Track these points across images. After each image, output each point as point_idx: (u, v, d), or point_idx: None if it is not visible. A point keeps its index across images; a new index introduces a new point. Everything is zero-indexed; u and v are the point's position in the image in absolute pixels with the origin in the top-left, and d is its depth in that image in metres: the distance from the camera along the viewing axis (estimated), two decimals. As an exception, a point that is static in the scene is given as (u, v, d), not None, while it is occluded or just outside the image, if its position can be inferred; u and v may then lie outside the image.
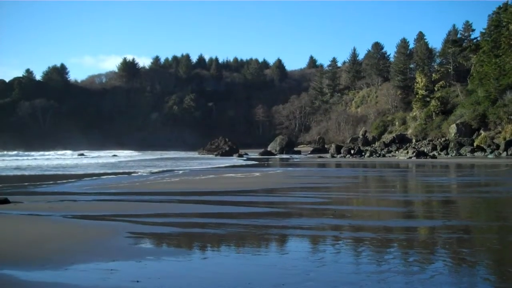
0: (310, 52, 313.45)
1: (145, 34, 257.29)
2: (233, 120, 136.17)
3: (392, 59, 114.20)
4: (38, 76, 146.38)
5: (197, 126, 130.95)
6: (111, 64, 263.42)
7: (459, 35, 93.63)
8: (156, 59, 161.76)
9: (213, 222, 9.99)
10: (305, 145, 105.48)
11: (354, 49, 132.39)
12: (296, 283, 5.65)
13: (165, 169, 32.52)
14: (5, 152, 60.88)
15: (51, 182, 21.33)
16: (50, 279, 5.89)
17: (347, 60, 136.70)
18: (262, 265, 6.54)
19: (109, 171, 29.35)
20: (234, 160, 52.15)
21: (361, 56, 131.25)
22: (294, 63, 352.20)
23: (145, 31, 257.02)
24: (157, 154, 75.68)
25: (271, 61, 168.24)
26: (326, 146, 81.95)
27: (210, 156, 70.16)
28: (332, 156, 60.48)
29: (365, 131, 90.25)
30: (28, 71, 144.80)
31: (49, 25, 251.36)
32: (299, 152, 79.24)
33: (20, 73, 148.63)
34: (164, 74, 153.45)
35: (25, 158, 54.11)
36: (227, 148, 73.84)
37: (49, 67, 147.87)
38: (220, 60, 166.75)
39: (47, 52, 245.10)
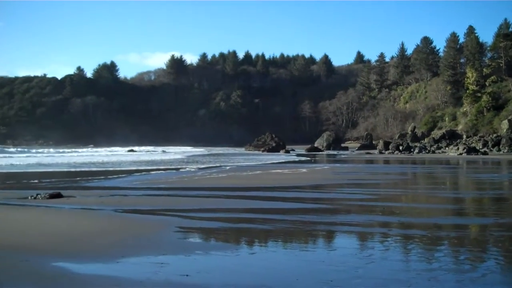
0: (357, 47, 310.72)
1: (191, 31, 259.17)
2: (280, 116, 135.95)
3: (441, 54, 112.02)
4: (88, 74, 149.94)
5: (243, 122, 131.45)
6: (156, 61, 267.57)
7: (511, 29, 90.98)
8: (204, 56, 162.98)
9: (260, 218, 10.03)
10: (352, 141, 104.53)
11: (402, 44, 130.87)
12: (344, 279, 5.62)
13: (212, 165, 32.75)
14: (59, 150, 62.31)
15: (102, 177, 21.80)
16: (102, 272, 6.02)
17: (395, 55, 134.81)
18: (309, 261, 6.53)
19: (158, 167, 29.73)
20: (281, 156, 52.07)
21: (409, 51, 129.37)
22: (341, 58, 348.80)
23: (191, 28, 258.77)
24: (204, 150, 76.28)
25: (318, 56, 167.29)
26: (373, 142, 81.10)
27: (257, 152, 70.21)
28: (380, 152, 59.79)
29: (414, 127, 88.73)
30: (79, 68, 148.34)
31: (97, 23, 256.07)
32: (346, 148, 78.60)
33: (71, 70, 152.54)
34: (211, 71, 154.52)
35: (77, 154, 55.43)
36: (274, 144, 73.74)
37: (99, 65, 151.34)
38: (267, 57, 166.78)
39: (95, 50, 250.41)
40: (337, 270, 6.00)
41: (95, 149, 71.80)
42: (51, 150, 59.42)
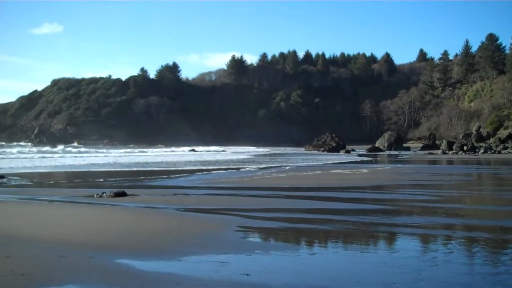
0: (420, 45, 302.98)
1: (251, 31, 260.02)
2: (340, 115, 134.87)
3: (507, 51, 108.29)
4: (152, 75, 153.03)
5: (303, 122, 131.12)
6: (216, 61, 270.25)
7: None
8: (264, 56, 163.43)
9: (320, 218, 9.99)
10: (414, 141, 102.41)
11: (467, 41, 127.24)
12: (407, 282, 5.52)
13: (272, 164, 32.82)
14: (124, 150, 63.94)
15: (165, 176, 22.21)
16: (165, 269, 6.11)
17: (459, 53, 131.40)
18: (371, 263, 6.45)
19: (219, 167, 30.05)
20: (341, 156, 51.64)
21: (474, 48, 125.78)
22: (403, 56, 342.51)
23: (251, 28, 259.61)
24: (264, 150, 76.54)
25: (379, 55, 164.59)
26: (437, 142, 79.06)
27: (317, 152, 69.82)
28: (444, 153, 58.30)
29: (479, 127, 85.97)
30: (142, 69, 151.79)
31: (159, 24, 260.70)
32: (408, 149, 77.13)
33: (135, 71, 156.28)
34: (271, 70, 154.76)
35: (140, 153, 56.70)
36: (334, 144, 73.13)
37: (162, 66, 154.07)
38: (327, 56, 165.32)
39: (157, 51, 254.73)
40: (399, 273, 5.90)
41: (164, 149, 73.20)
42: (121, 150, 60.99)
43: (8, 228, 8.69)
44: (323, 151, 69.95)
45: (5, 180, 18.76)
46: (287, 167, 29.28)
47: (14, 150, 53.53)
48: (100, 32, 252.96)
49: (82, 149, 62.28)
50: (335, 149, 69.48)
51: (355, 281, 5.60)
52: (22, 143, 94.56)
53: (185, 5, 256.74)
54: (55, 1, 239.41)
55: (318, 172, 25.11)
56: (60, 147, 64.57)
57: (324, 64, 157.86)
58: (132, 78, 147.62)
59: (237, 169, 27.95)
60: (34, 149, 61.16)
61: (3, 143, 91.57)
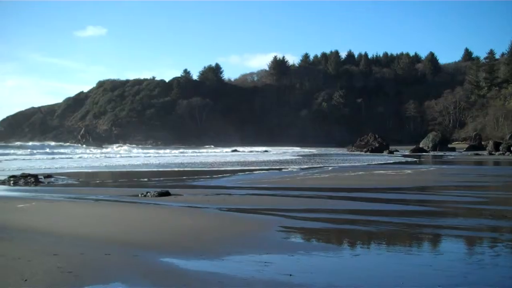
0: (465, 44, 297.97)
1: (292, 32, 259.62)
2: (383, 116, 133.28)
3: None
4: (194, 76, 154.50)
5: (345, 122, 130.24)
6: (256, 62, 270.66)
7: None
8: (305, 56, 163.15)
9: (363, 219, 9.91)
10: (459, 142, 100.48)
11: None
12: (452, 285, 5.43)
13: (314, 165, 32.69)
14: (167, 151, 64.82)
15: (207, 176, 22.38)
16: (208, 268, 6.17)
17: (506, 52, 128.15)
18: (415, 265, 6.37)
19: (261, 167, 30.11)
20: (384, 157, 51.03)
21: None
22: (448, 56, 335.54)
23: (292, 29, 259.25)
24: (306, 151, 76.33)
25: (423, 54, 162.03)
26: (483, 143, 77.38)
27: (359, 152, 69.24)
28: (490, 154, 56.98)
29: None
30: (185, 71, 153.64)
31: (199, 26, 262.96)
32: (453, 149, 75.69)
33: (178, 73, 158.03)
34: (313, 71, 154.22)
35: (183, 154, 57.33)
36: (377, 145, 72.35)
37: (204, 67, 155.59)
38: (370, 55, 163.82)
39: (199, 53, 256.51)
40: (444, 276, 5.81)
41: (206, 150, 73.76)
42: (165, 150, 61.92)
43: (55, 226, 8.91)
44: (365, 151, 69.31)
45: (52, 179, 19.25)
46: (330, 168, 29.12)
47: (67, 150, 54.91)
48: (143, 34, 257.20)
49: (126, 149, 63.43)
50: (378, 150, 68.76)
51: (399, 283, 5.54)
52: (70, 144, 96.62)
53: (226, 7, 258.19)
54: (99, 4, 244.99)
55: (360, 172, 24.88)
56: (110, 147, 65.77)
57: (367, 64, 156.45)
58: (175, 79, 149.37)
59: (279, 169, 27.95)
60: (96, 150, 62.45)
61: (53, 143, 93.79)
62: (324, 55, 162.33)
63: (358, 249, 7.56)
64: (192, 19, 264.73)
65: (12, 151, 50.15)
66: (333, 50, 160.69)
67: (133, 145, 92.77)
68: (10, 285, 5.24)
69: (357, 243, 7.99)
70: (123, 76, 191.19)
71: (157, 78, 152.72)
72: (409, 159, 45.18)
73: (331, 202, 13.20)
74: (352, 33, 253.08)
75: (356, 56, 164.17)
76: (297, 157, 50.49)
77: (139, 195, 13.57)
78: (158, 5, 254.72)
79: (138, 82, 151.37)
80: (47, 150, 55.28)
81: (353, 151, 75.08)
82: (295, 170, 27.14)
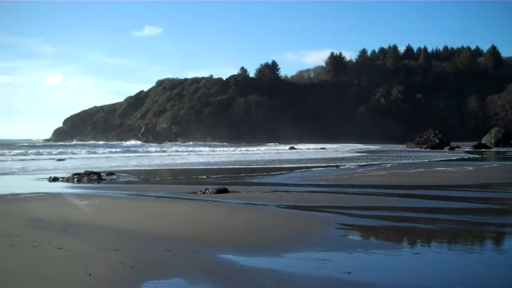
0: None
1: (348, 27, 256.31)
2: (443, 111, 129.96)
3: None
4: (251, 74, 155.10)
5: (404, 118, 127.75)
6: (312, 59, 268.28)
7: None
8: (363, 51, 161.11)
9: (423, 217, 9.75)
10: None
11: None
12: (516, 285, 5.30)
13: (372, 162, 32.31)
14: (225, 148, 65.52)
15: (264, 173, 22.46)
16: (267, 265, 6.20)
17: None
18: (477, 264, 6.23)
19: (318, 164, 30.00)
20: (445, 154, 49.91)
21: None
22: (511, 48, 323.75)
23: (348, 24, 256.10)
24: (363, 147, 75.53)
25: (485, 48, 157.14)
26: (549, 138, 74.56)
27: (419, 149, 67.87)
28: (557, 149, 54.90)
29: None
30: (242, 68, 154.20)
31: (255, 24, 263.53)
32: (517, 145, 73.27)
33: (235, 71, 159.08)
34: (371, 66, 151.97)
35: (240, 151, 57.76)
36: (437, 141, 70.79)
37: (261, 65, 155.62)
38: (429, 50, 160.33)
39: (254, 50, 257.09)
40: (508, 275, 5.66)
41: (263, 147, 74.11)
42: (224, 148, 62.72)
43: (117, 222, 9.14)
44: (425, 148, 67.96)
45: (114, 176, 19.76)
46: (388, 165, 28.71)
47: (129, 148, 56.30)
48: (198, 33, 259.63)
49: (184, 147, 64.40)
50: (438, 146, 67.32)
51: (461, 282, 5.44)
52: (131, 142, 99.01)
53: (280, 4, 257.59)
54: (155, 4, 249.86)
55: (420, 169, 24.43)
56: (169, 145, 66.93)
57: (426, 58, 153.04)
58: (232, 77, 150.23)
59: (337, 166, 27.76)
60: (155, 148, 63.84)
61: (115, 142, 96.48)
62: (382, 50, 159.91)
63: (418, 247, 7.45)
64: (247, 17, 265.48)
65: (75, 150, 51.80)
66: (391, 45, 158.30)
67: (192, 143, 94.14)
68: (76, 279, 5.41)
69: (417, 241, 7.86)
70: (181, 75, 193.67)
71: (215, 76, 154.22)
72: (471, 156, 44.06)
73: (390, 199, 13.04)
74: (410, 27, 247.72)
75: (415, 50, 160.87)
76: (355, 154, 49.99)
77: (198, 192, 13.75)
78: (212, 4, 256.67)
79: (196, 80, 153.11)
80: (111, 149, 56.78)
81: (412, 147, 73.64)
82: (353, 167, 26.89)
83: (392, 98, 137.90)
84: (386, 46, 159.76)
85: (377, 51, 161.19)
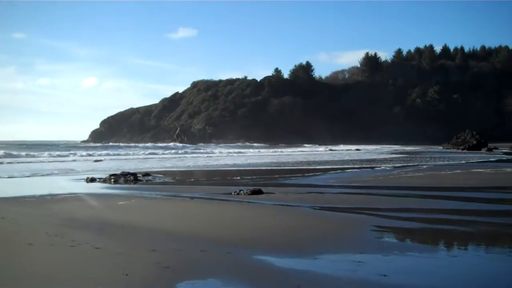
0: None
1: (382, 28, 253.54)
2: (481, 112, 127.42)
3: None
4: (285, 75, 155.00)
5: (441, 119, 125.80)
6: (345, 60, 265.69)
7: None
8: (399, 51, 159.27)
9: (460, 219, 9.61)
10: None
11: None
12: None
13: (408, 163, 31.96)
14: (259, 150, 65.66)
15: (299, 175, 22.43)
16: (301, 267, 6.18)
17: None
18: (517, 268, 6.12)
19: (353, 165, 29.83)
20: (483, 155, 49.05)
21: None
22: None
23: (382, 25, 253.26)
24: (399, 148, 74.76)
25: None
26: None
27: (456, 150, 66.78)
28: None
29: None
30: (276, 70, 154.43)
31: (288, 25, 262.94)
32: (559, 146, 71.53)
33: (268, 72, 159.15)
34: (406, 66, 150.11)
35: (273, 152, 57.82)
36: (475, 142, 69.57)
37: (295, 66, 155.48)
38: (466, 49, 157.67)
39: (288, 52, 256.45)
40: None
41: (297, 148, 74.01)
42: (259, 149, 62.87)
43: (153, 223, 9.24)
44: (462, 149, 66.86)
45: (150, 177, 20.00)
46: (424, 166, 28.34)
47: (164, 150, 56.96)
48: (232, 35, 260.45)
49: (219, 148, 64.75)
50: (475, 147, 66.18)
51: (501, 286, 5.34)
52: (167, 143, 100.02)
53: (314, 5, 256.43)
54: (189, 6, 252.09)
55: (457, 171, 24.05)
56: (204, 146, 67.41)
57: (463, 58, 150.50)
58: (266, 78, 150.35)
59: (372, 168, 27.53)
60: (190, 150, 64.41)
61: (150, 143, 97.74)
62: (418, 50, 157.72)
63: (455, 250, 7.35)
64: (280, 18, 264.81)
65: (112, 151, 52.61)
66: (427, 45, 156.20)
67: (226, 144, 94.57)
68: (113, 279, 5.50)
69: (454, 244, 7.76)
70: (215, 76, 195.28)
71: (249, 78, 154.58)
72: (509, 157, 43.16)
73: (426, 201, 12.86)
74: (447, 27, 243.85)
75: (451, 50, 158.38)
76: (390, 155, 49.51)
77: (232, 193, 13.81)
78: (246, 5, 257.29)
79: (230, 81, 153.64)
80: (147, 150, 57.53)
81: (449, 148, 72.58)
82: (388, 168, 26.65)
83: (428, 98, 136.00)
84: (422, 46, 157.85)
85: (412, 51, 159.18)
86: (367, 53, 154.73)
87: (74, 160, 36.19)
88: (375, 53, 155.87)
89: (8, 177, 20.14)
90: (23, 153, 40.62)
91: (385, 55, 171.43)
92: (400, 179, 20.03)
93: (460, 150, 65.64)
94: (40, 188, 16.01)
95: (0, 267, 5.98)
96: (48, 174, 22.03)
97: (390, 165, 29.33)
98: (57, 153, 44.48)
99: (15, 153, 40.17)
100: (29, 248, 6.94)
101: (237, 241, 7.59)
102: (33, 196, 13.38)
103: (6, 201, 12.37)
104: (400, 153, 56.35)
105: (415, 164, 31.06)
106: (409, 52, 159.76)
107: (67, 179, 19.99)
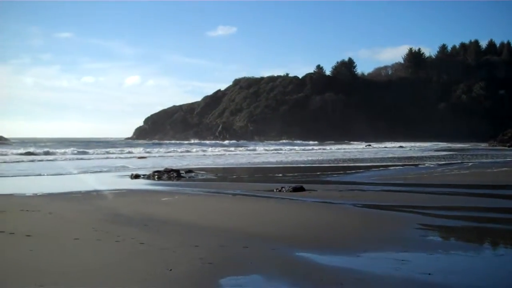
0: None
1: (424, 23, 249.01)
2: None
3: None
4: (327, 71, 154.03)
5: (486, 115, 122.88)
6: (386, 56, 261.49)
7: None
8: (443, 47, 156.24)
9: (507, 218, 9.44)
10: None
11: None
12: None
13: (452, 161, 31.44)
14: (301, 147, 65.70)
15: (341, 172, 22.32)
16: (344, 264, 6.17)
17: None
18: None
19: (395, 163, 29.49)
20: (531, 152, 47.82)
21: None
22: None
23: (425, 20, 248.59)
24: (443, 145, 73.53)
25: None
26: None
27: (502, 147, 65.33)
28: None
29: None
30: (318, 66, 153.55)
31: (328, 22, 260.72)
32: None
33: (310, 69, 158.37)
34: (451, 62, 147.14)
35: (316, 149, 57.63)
36: (522, 139, 67.99)
37: (337, 62, 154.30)
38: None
39: (328, 48, 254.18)
40: None
41: (339, 145, 73.66)
42: (301, 146, 62.68)
43: (196, 219, 9.35)
44: (509, 146, 65.31)
45: (192, 174, 20.20)
46: (469, 164, 27.82)
47: (206, 147, 57.48)
48: (271, 32, 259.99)
49: (261, 146, 64.89)
50: (523, 144, 64.54)
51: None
52: (209, 141, 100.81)
53: (354, 1, 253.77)
54: (228, 4, 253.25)
55: (504, 169, 23.52)
56: (246, 143, 67.66)
57: (510, 53, 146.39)
58: (308, 75, 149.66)
59: (415, 165, 27.16)
60: (232, 147, 64.82)
61: (193, 140, 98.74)
62: (462, 45, 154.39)
63: (500, 249, 7.21)
64: (320, 14, 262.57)
65: (155, 148, 53.34)
66: (472, 40, 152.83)
67: (268, 142, 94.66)
68: (157, 274, 5.58)
69: (500, 242, 7.61)
70: (257, 74, 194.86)
71: (290, 75, 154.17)
72: (560, 154, 41.97)
73: (471, 199, 12.64)
74: (492, 22, 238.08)
75: (497, 45, 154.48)
76: (434, 152, 48.76)
77: (274, 190, 13.85)
78: (284, 3, 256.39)
79: (272, 79, 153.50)
80: (190, 147, 58.09)
81: (495, 146, 71.00)
82: (432, 166, 26.25)
83: (474, 94, 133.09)
84: (467, 41, 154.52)
85: (457, 46, 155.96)
86: (410, 49, 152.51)
87: (119, 157, 36.83)
88: (419, 49, 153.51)
89: (55, 174, 20.66)
90: (68, 150, 41.48)
91: (429, 51, 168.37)
92: (444, 176, 19.72)
93: (506, 147, 64.15)
94: (86, 184, 16.38)
95: (49, 261, 6.14)
96: (92, 171, 22.48)
97: (434, 163, 28.90)
98: (101, 150, 45.30)
99: (59, 150, 41.04)
100: (76, 243, 7.11)
101: (279, 238, 7.61)
102: (79, 192, 13.71)
103: (53, 197, 12.69)
104: (445, 150, 55.46)
105: (460, 161, 30.53)
106: (453, 47, 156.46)
107: (112, 175, 20.39)
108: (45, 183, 17.49)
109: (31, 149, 40.41)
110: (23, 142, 69.15)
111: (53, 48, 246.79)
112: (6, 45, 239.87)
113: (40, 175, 19.99)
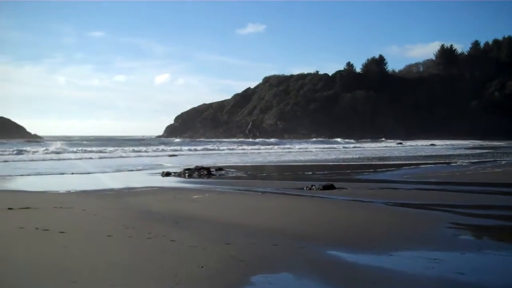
0: None
1: (456, 19, 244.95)
2: None
3: None
4: (357, 69, 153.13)
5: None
6: (417, 52, 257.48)
7: None
8: (475, 43, 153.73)
9: (542, 217, 9.25)
10: None
11: None
12: None
13: (486, 159, 30.96)
14: (330, 145, 65.47)
15: (371, 170, 22.18)
16: (375, 263, 6.12)
17: None
18: None
19: (427, 161, 29.18)
20: None
21: None
22: None
23: (456, 16, 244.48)
24: (476, 143, 72.52)
25: None
26: None
27: (538, 145, 64.15)
28: None
29: None
30: (348, 64, 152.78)
31: (358, 19, 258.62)
32: None
33: (340, 66, 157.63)
34: (484, 59, 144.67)
35: (346, 147, 57.37)
36: (558, 137, 66.54)
37: (367, 59, 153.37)
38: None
39: (358, 45, 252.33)
40: None
41: (369, 143, 73.21)
42: (330, 144, 62.42)
43: (226, 216, 9.39)
44: (544, 144, 63.96)
45: (223, 172, 20.32)
46: (503, 162, 27.36)
47: (235, 146, 57.66)
48: (301, 29, 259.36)
49: (291, 143, 64.81)
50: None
51: None
52: (239, 139, 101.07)
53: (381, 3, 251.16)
54: (256, 2, 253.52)
55: (539, 167, 23.10)
56: (276, 141, 67.70)
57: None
58: (338, 73, 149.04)
59: (448, 163, 26.83)
60: (262, 146, 64.97)
61: (223, 138, 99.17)
62: (496, 41, 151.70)
63: (535, 249, 7.07)
64: (349, 11, 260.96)
65: (186, 146, 53.70)
66: (505, 36, 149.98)
67: (298, 140, 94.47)
68: (188, 271, 5.62)
69: (535, 242, 7.47)
70: (286, 71, 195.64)
71: (320, 72, 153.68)
72: None
73: (504, 198, 12.44)
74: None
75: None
76: (466, 150, 48.08)
77: (304, 188, 13.83)
78: (312, 1, 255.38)
79: (301, 76, 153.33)
80: (220, 145, 58.36)
81: (530, 143, 69.63)
82: (465, 164, 25.90)
83: (507, 91, 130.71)
84: (500, 37, 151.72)
85: (490, 43, 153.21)
86: (442, 46, 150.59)
87: (150, 155, 37.21)
88: (451, 45, 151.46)
89: (88, 173, 20.95)
90: (100, 148, 42.04)
91: (461, 47, 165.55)
92: (477, 175, 19.42)
93: (542, 145, 62.84)
94: (117, 182, 16.58)
95: (82, 258, 6.23)
96: (125, 169, 22.74)
97: (466, 161, 28.51)
98: (134, 148, 45.84)
99: (91, 148, 41.69)
100: (108, 240, 7.20)
101: (310, 236, 7.59)
102: (112, 190, 13.90)
103: (86, 195, 12.88)
104: (477, 148, 54.64)
105: (494, 159, 30.04)
106: (486, 44, 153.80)
107: (143, 173, 20.63)
108: (78, 180, 17.75)
109: (65, 147, 41.12)
110: (57, 140, 70.33)
111: (86, 47, 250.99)
112: (39, 44, 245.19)
113: (73, 173, 20.29)
